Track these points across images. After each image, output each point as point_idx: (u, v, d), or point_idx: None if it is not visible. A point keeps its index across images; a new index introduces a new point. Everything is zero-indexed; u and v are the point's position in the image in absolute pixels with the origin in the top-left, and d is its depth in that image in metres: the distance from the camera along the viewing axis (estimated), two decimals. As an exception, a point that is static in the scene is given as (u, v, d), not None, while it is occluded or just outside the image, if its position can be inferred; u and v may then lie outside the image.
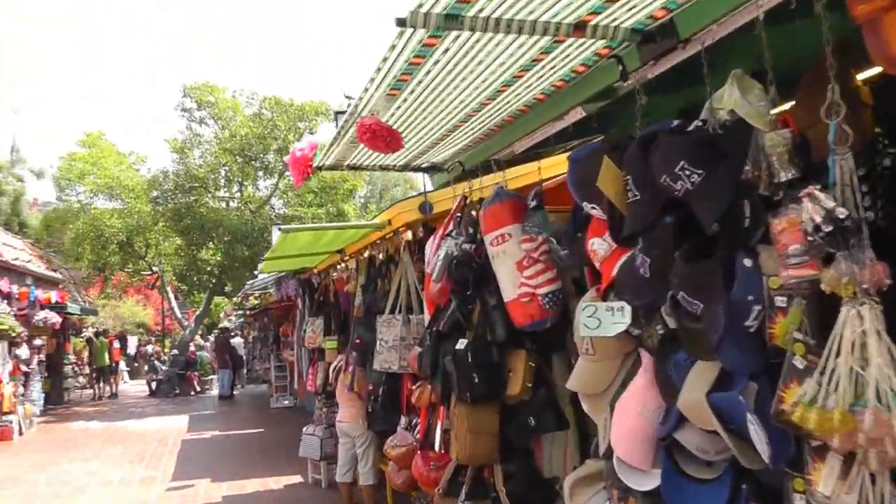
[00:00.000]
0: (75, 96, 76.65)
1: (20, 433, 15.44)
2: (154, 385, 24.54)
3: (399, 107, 3.51)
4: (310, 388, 9.60)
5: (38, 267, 21.54)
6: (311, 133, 23.96)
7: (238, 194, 25.31)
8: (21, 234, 27.20)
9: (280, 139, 23.46)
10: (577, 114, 3.44)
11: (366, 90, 3.19)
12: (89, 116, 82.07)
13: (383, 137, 3.49)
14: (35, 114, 69.84)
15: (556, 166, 4.72)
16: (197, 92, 24.32)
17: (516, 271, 3.65)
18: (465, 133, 4.18)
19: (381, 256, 6.85)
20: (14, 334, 14.56)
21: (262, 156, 24.00)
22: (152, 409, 20.15)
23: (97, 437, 15.30)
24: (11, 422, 14.99)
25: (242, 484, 9.69)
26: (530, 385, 3.68)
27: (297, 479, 9.66)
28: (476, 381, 3.77)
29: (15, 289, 15.33)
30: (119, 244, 23.82)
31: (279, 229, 6.20)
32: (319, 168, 4.63)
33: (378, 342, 5.79)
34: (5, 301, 14.54)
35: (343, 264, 8.55)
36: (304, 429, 9.28)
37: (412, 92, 3.30)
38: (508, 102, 3.60)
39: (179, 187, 23.65)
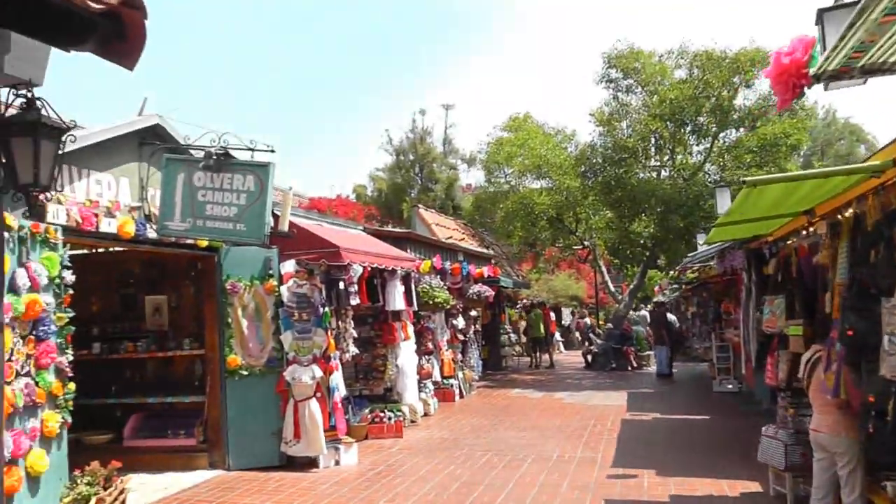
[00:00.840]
0: (497, 82, 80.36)
1: (461, 396, 16.12)
2: (590, 357, 24.35)
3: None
4: (769, 380, 7.98)
5: (470, 245, 22.50)
6: (748, 86, 21.72)
7: (669, 162, 23.88)
8: (455, 216, 28.91)
9: (713, 97, 21.55)
10: None
11: None
12: (512, 99, 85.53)
13: None
14: (462, 106, 75.23)
15: None
16: (622, 60, 23.29)
17: None
18: None
19: (872, 214, 5.02)
20: (448, 306, 15.02)
21: (694, 118, 22.29)
22: (588, 382, 19.77)
23: (534, 406, 15.19)
24: (453, 385, 15.73)
25: (692, 483, 8.40)
26: None
27: (755, 487, 8.08)
28: None
29: (448, 265, 15.99)
30: (549, 220, 23.80)
31: (744, 181, 4.66)
32: (817, 77, 3.11)
33: (887, 338, 4.03)
34: (439, 276, 15.08)
35: (811, 228, 6.75)
36: (764, 429, 7.67)
37: None
38: None
39: (608, 159, 22.87)
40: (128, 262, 10.99)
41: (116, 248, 10.14)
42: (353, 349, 10.78)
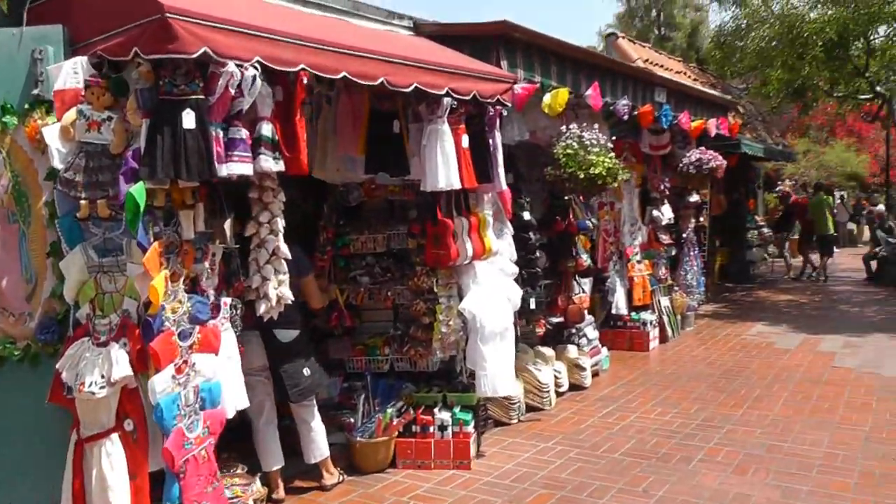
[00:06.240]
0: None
1: (661, 341, 9.76)
2: (874, 265, 15.68)
3: None
4: None
5: (699, 85, 14.05)
6: None
7: None
8: (698, 70, 20.27)
9: None
10: None
11: None
12: None
13: None
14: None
15: None
16: None
17: None
18: None
19: None
20: (615, 183, 6.78)
21: None
22: (873, 312, 11.95)
23: (783, 371, 8.13)
24: (646, 323, 9.37)
25: None
26: None
27: None
28: None
29: (624, 103, 7.94)
30: (825, 49, 15.24)
31: None
32: None
33: None
34: (608, 121, 7.52)
35: None
36: None
37: None
38: None
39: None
40: None
41: None
42: (282, 293, 4.22)
